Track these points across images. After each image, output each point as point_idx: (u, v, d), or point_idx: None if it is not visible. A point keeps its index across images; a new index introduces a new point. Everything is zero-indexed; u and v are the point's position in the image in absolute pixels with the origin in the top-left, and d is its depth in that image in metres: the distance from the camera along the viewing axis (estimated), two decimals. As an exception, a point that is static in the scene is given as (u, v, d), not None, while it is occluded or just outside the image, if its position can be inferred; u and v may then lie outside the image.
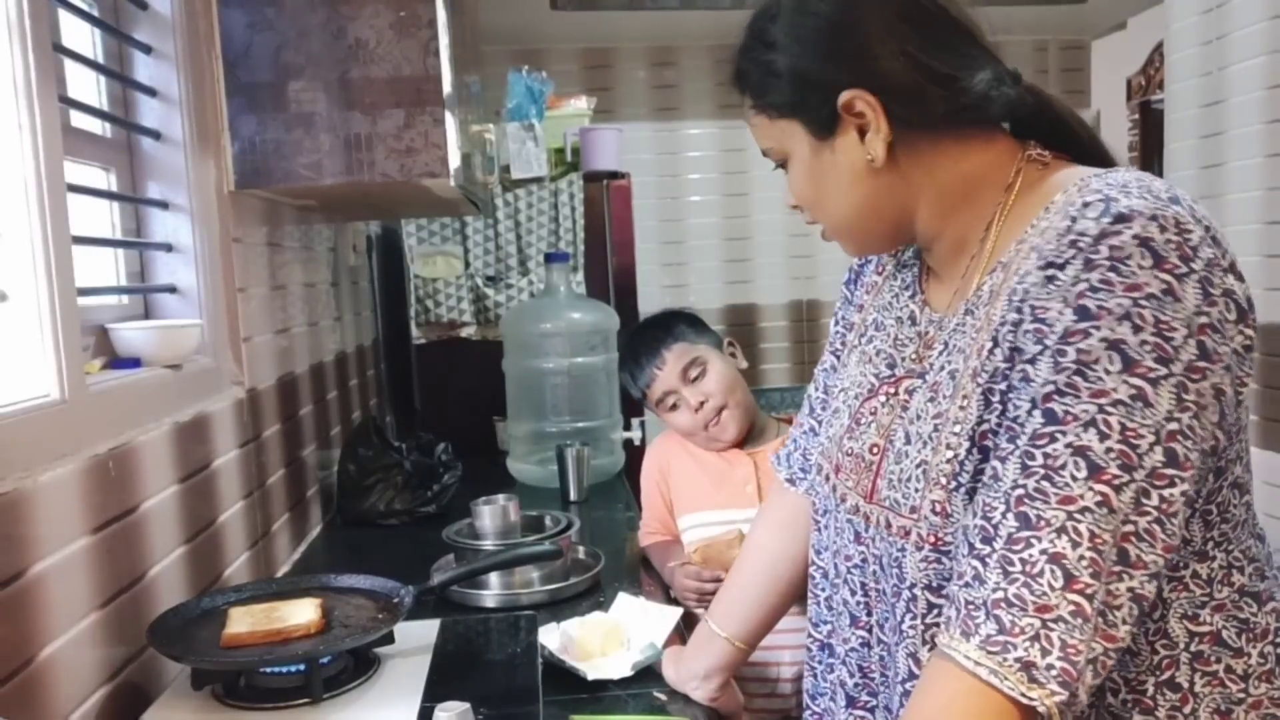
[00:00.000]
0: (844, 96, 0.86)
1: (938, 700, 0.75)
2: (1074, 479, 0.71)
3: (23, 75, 1.00)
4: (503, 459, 2.53)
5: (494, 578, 1.55)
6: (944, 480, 0.82)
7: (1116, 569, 0.70)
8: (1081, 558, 0.70)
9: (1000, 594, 0.72)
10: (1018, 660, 0.70)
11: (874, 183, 0.89)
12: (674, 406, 1.81)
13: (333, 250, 2.36)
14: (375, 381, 2.88)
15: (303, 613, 1.16)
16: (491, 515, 1.66)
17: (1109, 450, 0.70)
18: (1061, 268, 0.74)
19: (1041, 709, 0.70)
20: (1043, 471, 0.72)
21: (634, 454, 2.73)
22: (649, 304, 2.81)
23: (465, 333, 2.94)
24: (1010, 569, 0.72)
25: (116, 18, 1.43)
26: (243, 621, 1.14)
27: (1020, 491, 0.73)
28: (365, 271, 2.83)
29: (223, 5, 1.54)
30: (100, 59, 1.40)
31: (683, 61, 4.00)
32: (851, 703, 1.00)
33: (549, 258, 2.50)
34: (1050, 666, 0.70)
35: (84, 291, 1.16)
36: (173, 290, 1.48)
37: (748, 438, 1.84)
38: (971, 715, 0.72)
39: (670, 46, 3.97)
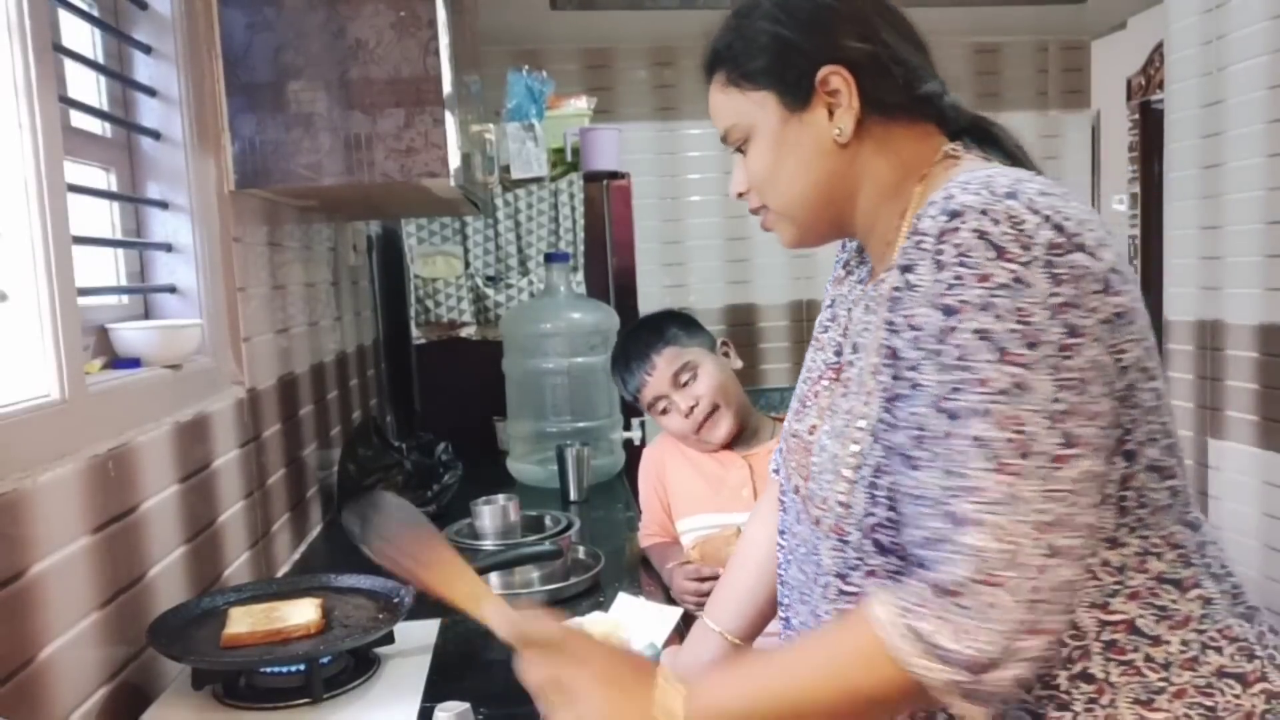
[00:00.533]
0: (822, 71, 0.91)
1: (839, 636, 0.80)
2: (976, 470, 0.73)
3: (23, 75, 1.00)
4: (503, 459, 2.53)
5: (494, 578, 1.55)
6: (848, 474, 0.86)
7: (1047, 561, 0.71)
8: (998, 551, 0.71)
9: (926, 583, 0.74)
10: (917, 631, 0.72)
11: (833, 161, 0.93)
12: (665, 410, 1.81)
13: (333, 250, 2.36)
14: (375, 381, 2.88)
15: (303, 613, 1.16)
16: (491, 515, 1.66)
17: (1004, 440, 0.73)
18: (915, 271, 0.78)
19: (932, 683, 0.72)
20: (946, 468, 0.74)
21: (634, 454, 2.73)
22: (649, 304, 2.81)
23: (465, 333, 2.94)
24: (934, 562, 0.74)
25: (116, 18, 1.43)
26: (243, 621, 1.14)
27: (931, 486, 0.76)
28: (365, 271, 2.83)
29: (223, 5, 1.54)
30: (100, 59, 1.40)
31: (683, 61, 4.00)
32: None
33: (549, 258, 2.50)
34: (952, 651, 0.72)
35: (84, 291, 1.16)
36: (173, 290, 1.48)
37: (741, 438, 1.84)
38: (859, 667, 0.76)
39: (670, 46, 3.97)
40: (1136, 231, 4.64)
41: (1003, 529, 0.71)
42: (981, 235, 0.75)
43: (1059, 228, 0.76)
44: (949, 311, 0.75)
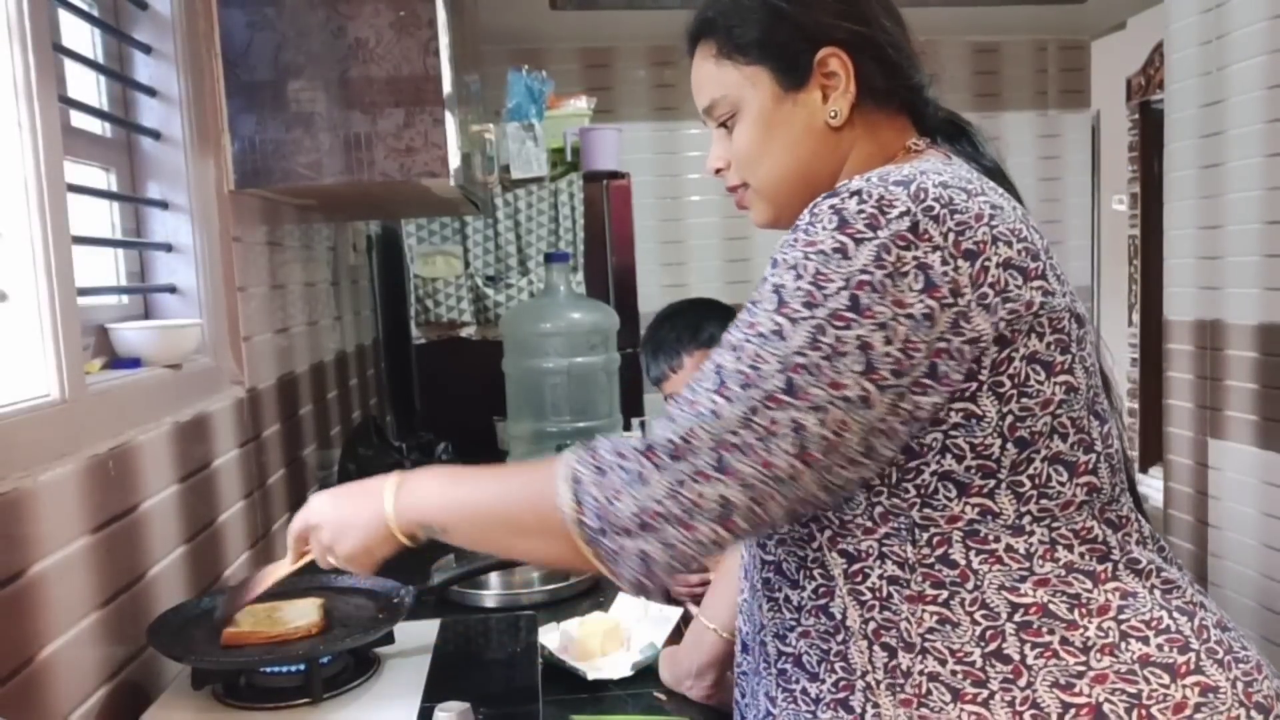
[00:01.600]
0: (822, 53, 0.92)
1: (537, 467, 0.88)
2: (702, 388, 0.80)
3: (23, 75, 1.00)
4: (503, 459, 2.53)
5: (494, 578, 1.55)
6: None
7: (713, 473, 0.77)
8: (671, 440, 0.78)
9: (610, 443, 0.83)
10: (576, 473, 0.82)
11: (821, 142, 0.94)
12: None
13: (333, 250, 2.36)
14: (375, 381, 2.88)
15: (304, 613, 1.16)
16: (491, 515, 1.66)
17: (738, 371, 0.78)
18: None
19: (566, 520, 0.81)
20: (690, 383, 0.82)
21: (634, 454, 2.73)
22: (649, 304, 2.80)
23: (465, 333, 2.94)
24: (613, 452, 0.82)
25: (116, 18, 1.43)
26: (244, 621, 1.14)
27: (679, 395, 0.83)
28: (365, 271, 2.83)
29: (222, 5, 1.54)
30: (100, 59, 1.40)
31: (683, 61, 3.99)
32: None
33: (549, 258, 2.50)
34: (592, 494, 0.80)
35: (84, 291, 1.16)
36: (173, 290, 1.48)
37: None
38: (533, 493, 0.85)
39: (670, 46, 3.95)
40: (1136, 231, 4.64)
41: (688, 430, 0.78)
42: (837, 210, 0.79)
43: (934, 218, 0.78)
44: (772, 265, 0.82)
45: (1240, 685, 0.82)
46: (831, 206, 0.80)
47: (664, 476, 0.78)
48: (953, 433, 0.80)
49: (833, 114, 0.93)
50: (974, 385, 0.79)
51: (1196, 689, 0.80)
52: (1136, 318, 4.71)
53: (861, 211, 0.78)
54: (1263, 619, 2.31)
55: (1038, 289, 0.80)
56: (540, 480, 0.85)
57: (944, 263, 0.77)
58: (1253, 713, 0.81)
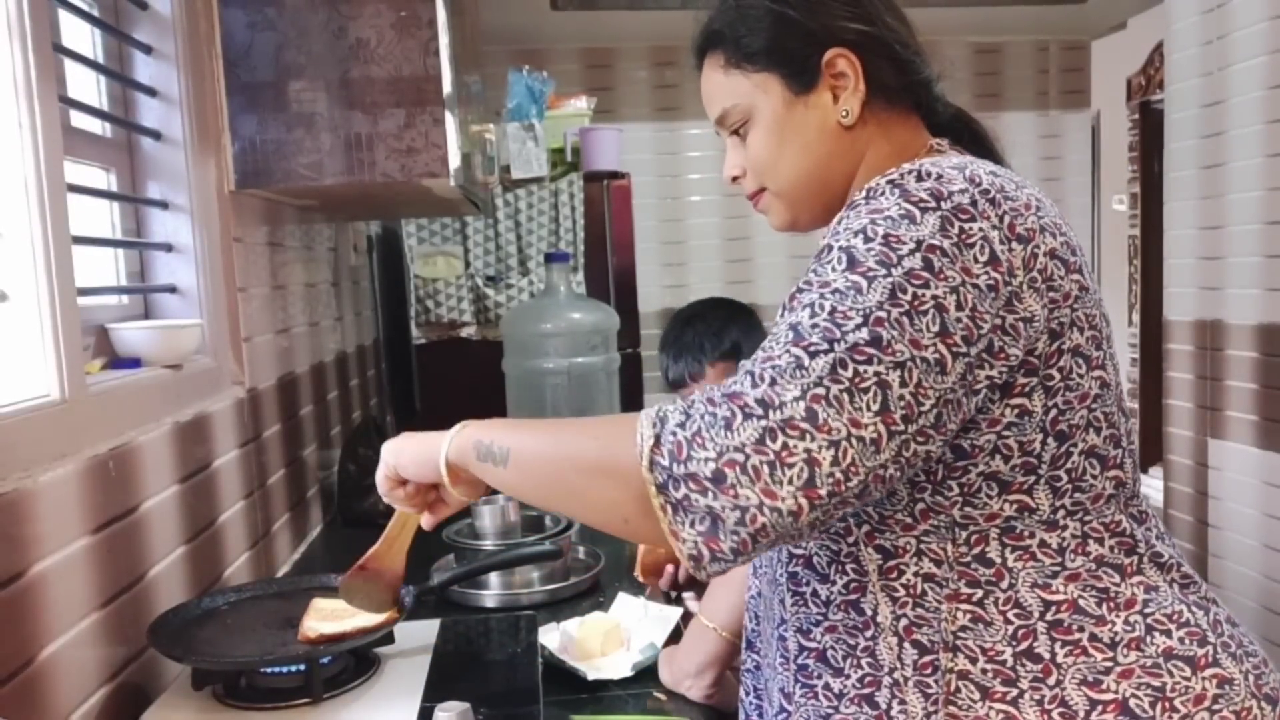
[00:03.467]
0: (829, 54, 0.93)
1: (618, 416, 0.84)
2: (779, 344, 0.75)
3: (23, 75, 1.00)
4: (503, 459, 2.53)
5: (494, 578, 1.55)
6: None
7: (804, 424, 0.71)
8: (759, 390, 0.73)
9: (698, 400, 0.76)
10: (664, 413, 0.76)
11: (835, 143, 0.95)
12: None
13: (333, 250, 2.36)
14: (375, 381, 2.88)
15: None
16: (491, 515, 1.66)
17: (814, 325, 0.75)
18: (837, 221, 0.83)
19: (641, 456, 0.74)
20: (765, 344, 0.78)
21: (634, 454, 2.73)
22: (649, 304, 2.81)
23: (465, 333, 2.94)
24: (705, 399, 0.76)
25: (116, 18, 1.43)
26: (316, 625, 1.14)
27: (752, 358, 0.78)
28: (365, 271, 2.83)
29: (223, 5, 1.54)
30: (100, 59, 1.40)
31: (683, 61, 3.95)
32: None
33: (549, 258, 2.50)
34: (674, 434, 0.73)
35: (84, 291, 1.16)
36: (173, 290, 1.48)
37: None
38: (609, 431, 0.79)
39: (670, 46, 3.97)
40: (1136, 231, 4.64)
41: (774, 381, 0.73)
42: (896, 184, 0.80)
43: (990, 200, 0.79)
44: (834, 235, 0.81)
45: (1252, 678, 0.84)
46: (890, 182, 0.81)
47: (751, 424, 0.71)
48: (1005, 433, 0.80)
49: (844, 113, 0.93)
50: (1034, 380, 0.80)
51: (1214, 681, 0.82)
52: (1136, 318, 4.71)
53: (923, 184, 0.79)
54: (1263, 619, 2.31)
55: (1075, 282, 0.82)
56: (622, 420, 0.79)
57: (1002, 241, 0.78)
58: (1263, 704, 0.83)
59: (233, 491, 1.53)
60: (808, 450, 0.71)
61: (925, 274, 0.75)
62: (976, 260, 0.77)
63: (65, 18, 1.29)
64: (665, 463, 0.73)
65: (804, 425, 0.71)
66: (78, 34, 1.36)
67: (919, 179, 0.80)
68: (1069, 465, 0.82)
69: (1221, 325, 2.43)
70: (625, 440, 0.76)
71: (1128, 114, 4.44)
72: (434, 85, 1.57)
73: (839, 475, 0.71)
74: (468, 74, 1.95)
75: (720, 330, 1.75)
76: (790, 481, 0.70)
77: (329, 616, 1.16)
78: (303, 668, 1.09)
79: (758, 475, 0.70)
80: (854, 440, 0.71)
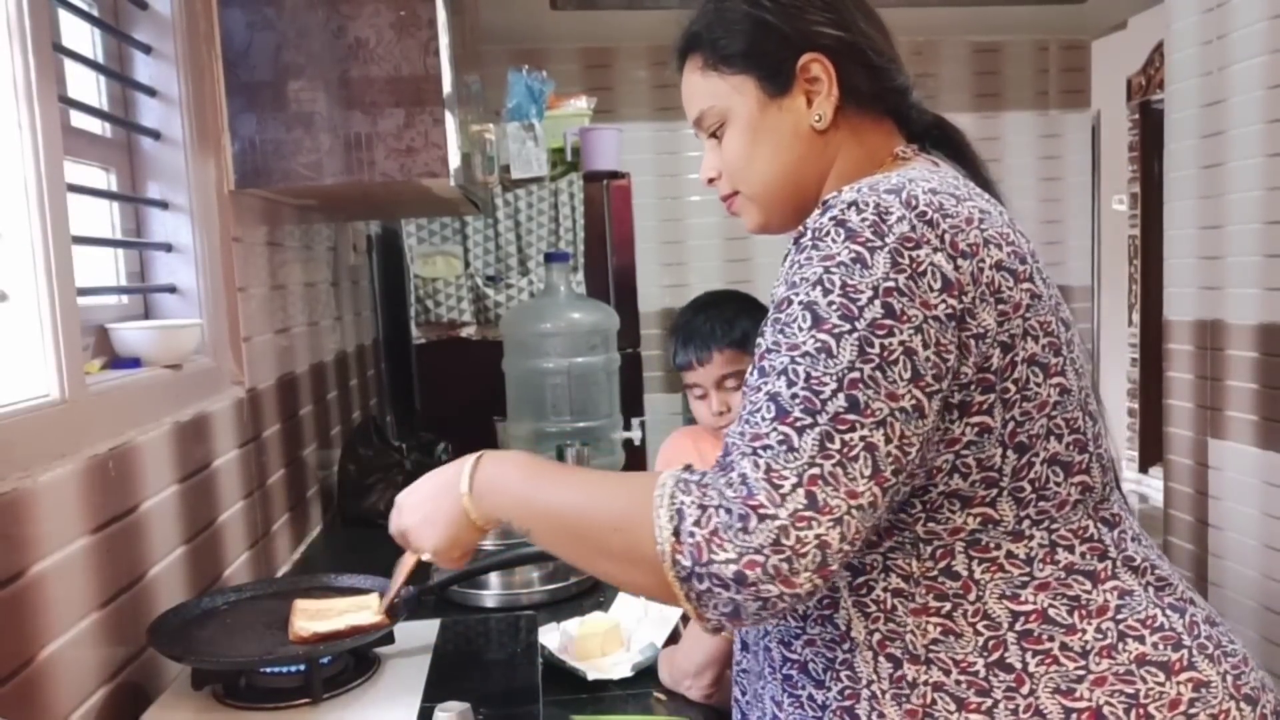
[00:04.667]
0: (804, 59, 0.94)
1: (632, 478, 0.86)
2: (764, 420, 0.76)
3: (23, 75, 1.00)
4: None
5: (494, 578, 1.55)
6: None
7: (808, 513, 0.72)
8: (760, 484, 0.74)
9: (715, 484, 0.77)
10: (678, 501, 0.76)
11: (808, 146, 0.96)
12: (700, 397, 1.80)
13: (333, 250, 2.36)
14: (375, 381, 2.88)
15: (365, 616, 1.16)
16: (491, 515, 1.66)
17: (794, 396, 0.75)
18: (785, 260, 0.83)
19: (663, 555, 0.75)
20: (746, 415, 0.78)
21: (634, 454, 2.73)
22: (649, 304, 2.81)
23: (465, 333, 2.94)
24: (723, 480, 0.76)
25: (116, 18, 1.43)
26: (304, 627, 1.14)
27: (731, 434, 0.79)
28: (365, 271, 2.83)
29: (223, 5, 1.54)
30: (100, 59, 1.40)
31: (675, 70, 3.99)
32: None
33: (549, 258, 2.50)
34: (693, 534, 0.74)
35: (84, 291, 1.16)
36: (173, 290, 1.48)
37: None
38: (622, 503, 0.81)
39: (670, 46, 3.97)
40: (1136, 231, 4.64)
41: (770, 469, 0.74)
42: (839, 222, 0.79)
43: (928, 223, 0.79)
44: (790, 286, 0.80)
45: (1230, 679, 0.84)
46: (833, 219, 0.80)
47: (765, 526, 0.73)
48: (963, 451, 0.80)
49: (817, 118, 0.95)
50: (991, 396, 0.80)
51: (1190, 685, 0.82)
52: (1136, 318, 4.71)
53: (864, 220, 0.79)
54: (1263, 619, 2.31)
55: (1026, 291, 0.81)
56: (638, 503, 0.79)
57: (948, 261, 0.78)
58: (1241, 704, 0.83)
59: (232, 491, 1.53)
60: (818, 536, 0.73)
61: (888, 321, 0.76)
62: (931, 289, 0.77)
63: (65, 18, 1.29)
64: (687, 563, 0.75)
65: (809, 514, 0.73)
66: (78, 34, 1.36)
67: (859, 211, 0.79)
68: (1031, 475, 0.82)
69: (1221, 325, 2.43)
70: (645, 531, 0.77)
71: (1128, 114, 4.44)
72: (434, 85, 1.57)
73: (846, 547, 0.74)
74: (467, 74, 1.95)
75: (732, 319, 1.77)
76: (805, 569, 0.73)
77: (317, 615, 1.16)
78: (303, 668, 1.09)
79: (777, 574, 0.73)
80: (854, 511, 0.73)
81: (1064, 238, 4.46)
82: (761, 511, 0.73)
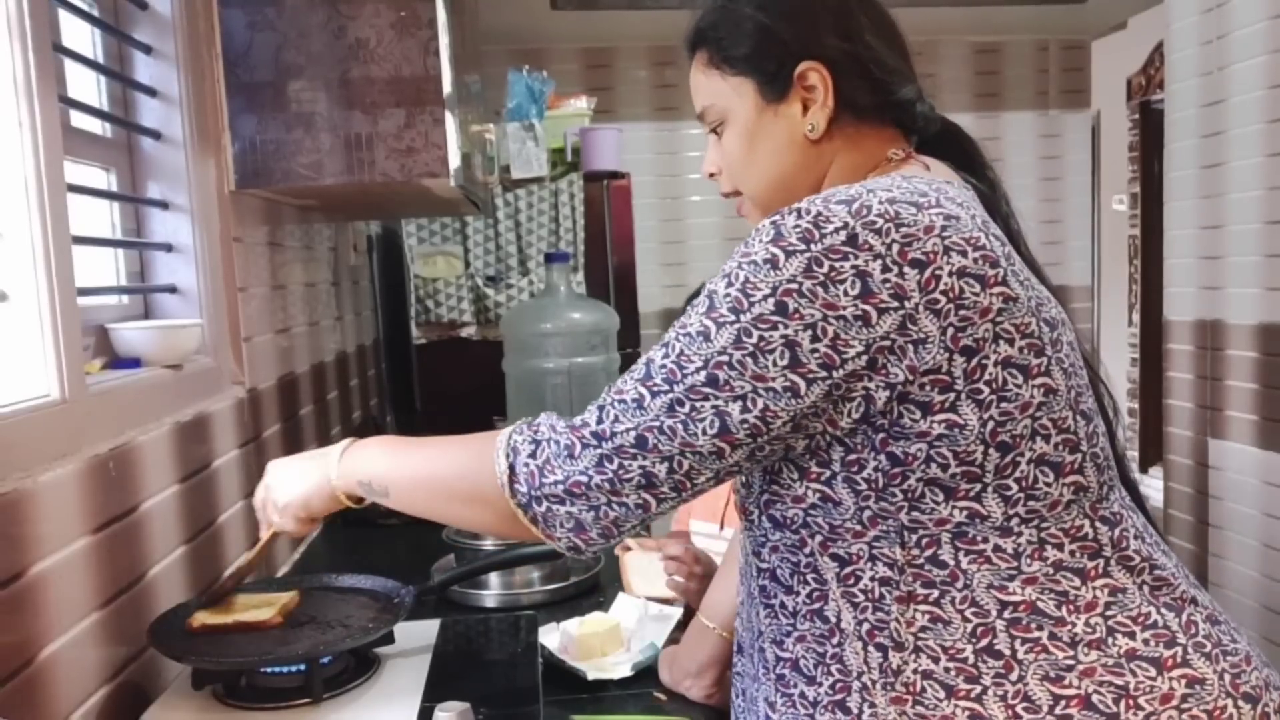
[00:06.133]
0: (801, 67, 0.94)
1: (480, 436, 0.94)
2: (630, 378, 0.85)
3: (23, 75, 1.00)
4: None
5: (494, 578, 1.55)
6: None
7: (634, 449, 0.83)
8: (598, 423, 0.85)
9: (551, 420, 0.89)
10: (514, 440, 0.88)
11: (803, 154, 0.97)
12: None
13: (333, 250, 2.36)
14: (376, 381, 2.89)
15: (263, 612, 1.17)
16: (491, 515, 1.66)
17: (662, 366, 0.83)
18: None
19: (503, 488, 0.87)
20: (626, 373, 0.87)
21: (634, 454, 2.73)
22: (649, 304, 2.81)
23: (465, 333, 2.94)
24: (546, 426, 0.89)
25: (116, 18, 1.43)
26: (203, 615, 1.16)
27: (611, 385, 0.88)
28: (365, 271, 2.83)
29: (223, 5, 1.54)
30: (100, 59, 1.40)
31: (682, 61, 4.00)
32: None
33: (549, 258, 2.50)
34: (527, 465, 0.86)
35: (84, 291, 1.16)
36: (173, 290, 1.48)
37: None
38: (471, 455, 0.91)
39: (670, 46, 3.95)
40: (1136, 231, 4.64)
41: (615, 418, 0.84)
42: (774, 225, 0.82)
43: (875, 231, 0.79)
44: (712, 278, 0.85)
45: (1228, 677, 0.84)
46: (773, 222, 0.82)
47: (589, 452, 0.84)
48: (936, 443, 0.81)
49: (810, 127, 0.95)
50: (951, 396, 0.80)
51: (1183, 680, 0.82)
52: (1136, 318, 4.71)
53: (797, 227, 0.80)
54: (1263, 619, 2.31)
55: (998, 295, 0.81)
56: (480, 450, 0.90)
57: (885, 270, 0.78)
58: (1240, 702, 0.83)
59: (233, 491, 1.53)
60: (642, 467, 0.83)
61: (775, 317, 0.79)
62: (846, 295, 0.78)
63: (65, 18, 1.29)
64: (523, 489, 0.87)
65: (633, 450, 0.83)
66: (78, 34, 1.36)
67: (797, 218, 0.81)
68: (1017, 475, 0.82)
69: (1221, 325, 2.43)
70: (487, 471, 0.88)
71: (1128, 114, 4.44)
72: (434, 85, 1.57)
73: (679, 479, 0.84)
74: (467, 74, 1.95)
75: None
76: (635, 489, 0.84)
77: (221, 611, 1.17)
78: (303, 668, 1.09)
79: (601, 489, 0.84)
80: (688, 454, 0.82)
81: (1064, 238, 4.46)
82: (585, 441, 0.84)
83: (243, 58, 1.56)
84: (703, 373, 0.81)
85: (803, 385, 0.79)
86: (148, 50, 1.44)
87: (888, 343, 0.79)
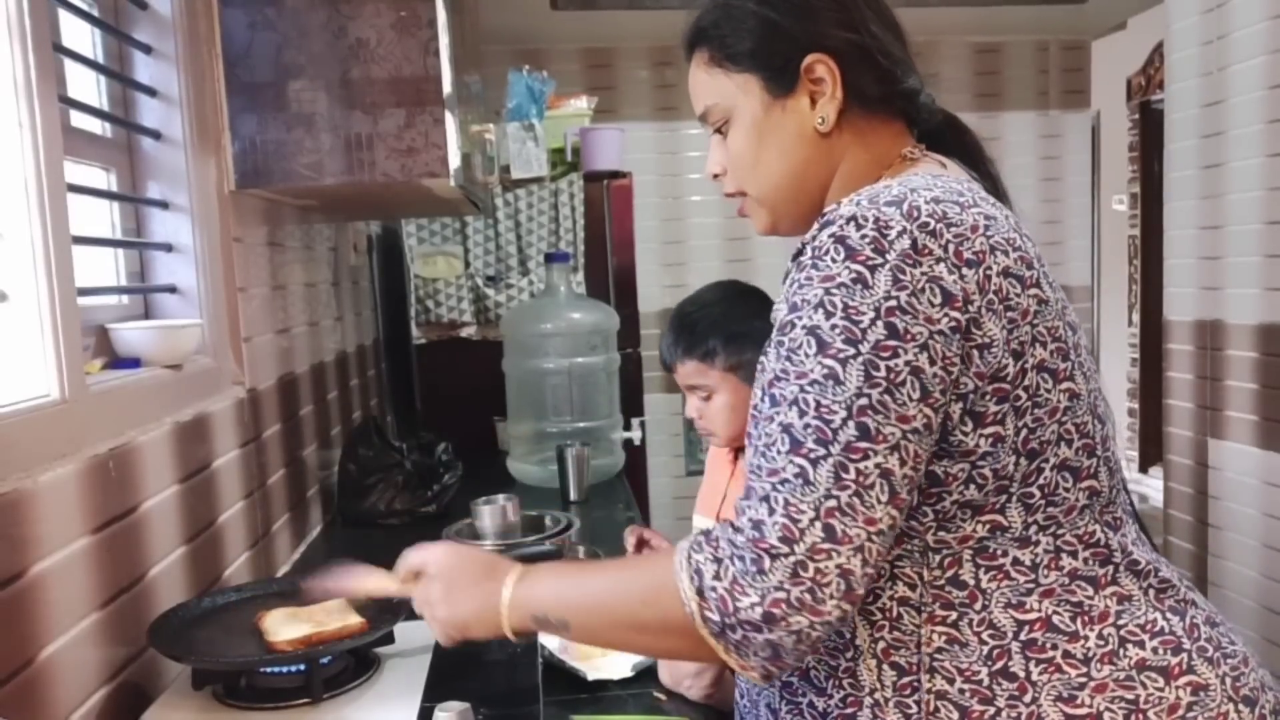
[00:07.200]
0: (808, 59, 0.93)
1: (652, 562, 0.89)
2: (780, 453, 0.77)
3: (23, 75, 1.00)
4: (503, 459, 2.53)
5: (494, 578, 1.55)
6: None
7: (827, 545, 0.75)
8: (776, 523, 0.76)
9: (724, 536, 0.79)
10: (696, 565, 0.79)
11: (813, 149, 0.95)
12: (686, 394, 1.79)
13: (333, 250, 2.36)
14: (376, 381, 2.88)
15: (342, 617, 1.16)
16: (491, 515, 1.66)
17: (806, 426, 0.77)
18: (787, 276, 0.83)
19: (693, 616, 0.78)
20: (762, 448, 0.79)
21: (634, 454, 2.73)
22: (649, 304, 2.81)
23: (465, 333, 2.94)
24: (732, 530, 0.79)
25: (116, 18, 1.43)
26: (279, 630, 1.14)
27: (750, 466, 0.80)
28: (365, 271, 2.83)
29: (223, 5, 1.54)
30: (100, 59, 1.40)
31: (683, 61, 4.00)
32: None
33: (549, 258, 2.50)
34: (714, 588, 0.77)
35: (84, 291, 1.16)
36: (173, 290, 1.48)
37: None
38: (652, 589, 0.82)
39: (671, 46, 3.95)
40: (1136, 231, 4.64)
41: (788, 505, 0.75)
42: (839, 240, 0.79)
43: (931, 233, 0.78)
44: (792, 309, 0.80)
45: (1229, 680, 0.84)
46: (832, 236, 0.79)
47: (781, 564, 0.75)
48: (979, 462, 0.80)
49: (820, 120, 0.93)
50: (1006, 406, 0.79)
51: (1189, 689, 0.82)
52: (1136, 318, 4.71)
53: (864, 237, 0.78)
54: (1263, 619, 2.31)
55: (1033, 297, 0.81)
56: (660, 575, 0.82)
57: (951, 272, 0.77)
58: (1240, 706, 0.83)
59: (233, 491, 1.53)
60: (839, 566, 0.75)
61: (892, 342, 0.76)
62: (933, 304, 0.76)
63: (65, 18, 1.29)
64: (716, 618, 0.77)
65: (827, 546, 0.75)
66: (78, 34, 1.36)
67: (858, 227, 0.78)
68: (1041, 481, 0.82)
69: (1221, 325, 2.43)
70: (672, 600, 0.80)
71: (1128, 114, 4.44)
72: (434, 85, 1.57)
73: (870, 571, 0.76)
74: (468, 74, 1.95)
75: (705, 332, 1.74)
76: (830, 597, 0.75)
77: (290, 619, 1.15)
78: (303, 668, 1.09)
79: (802, 605, 0.75)
80: (874, 537, 0.75)
81: (1064, 238, 4.46)
82: (774, 551, 0.75)
83: (243, 58, 1.56)
84: (851, 424, 0.75)
85: (934, 418, 0.77)
86: (148, 50, 1.44)
87: (965, 351, 0.78)
